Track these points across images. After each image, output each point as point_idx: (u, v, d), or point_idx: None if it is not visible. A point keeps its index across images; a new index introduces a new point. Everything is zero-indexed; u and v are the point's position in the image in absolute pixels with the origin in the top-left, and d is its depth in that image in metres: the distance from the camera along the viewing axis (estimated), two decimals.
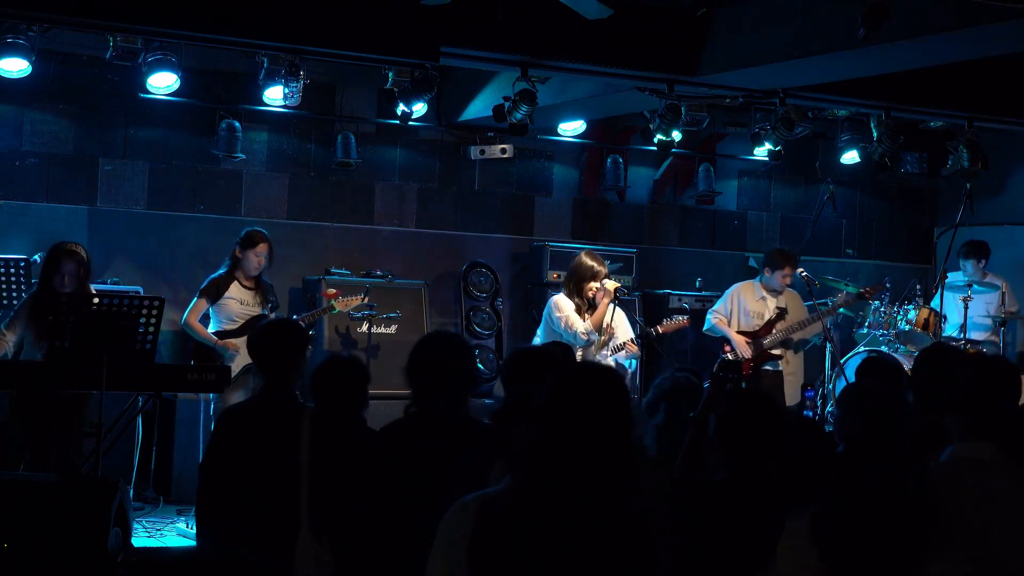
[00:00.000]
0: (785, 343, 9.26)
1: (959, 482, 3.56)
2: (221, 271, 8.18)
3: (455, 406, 4.33)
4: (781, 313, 9.21)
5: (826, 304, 9.47)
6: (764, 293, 9.33)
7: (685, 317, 8.86)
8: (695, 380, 4.93)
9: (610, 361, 8.06)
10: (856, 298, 9.68)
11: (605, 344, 8.06)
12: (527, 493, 2.91)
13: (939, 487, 3.54)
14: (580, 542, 2.88)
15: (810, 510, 3.46)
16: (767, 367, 9.22)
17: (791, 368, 9.33)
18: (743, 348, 9.13)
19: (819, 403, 9.32)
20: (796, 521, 3.45)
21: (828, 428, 9.53)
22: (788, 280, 9.31)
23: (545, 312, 8.28)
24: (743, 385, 9.02)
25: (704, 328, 9.45)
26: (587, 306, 8.11)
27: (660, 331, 8.51)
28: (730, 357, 9.11)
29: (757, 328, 9.24)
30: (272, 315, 8.12)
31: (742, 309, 9.30)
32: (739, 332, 9.26)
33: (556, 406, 2.97)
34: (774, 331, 9.18)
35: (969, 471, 3.58)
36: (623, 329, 8.22)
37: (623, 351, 8.15)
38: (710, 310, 9.43)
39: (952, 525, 3.47)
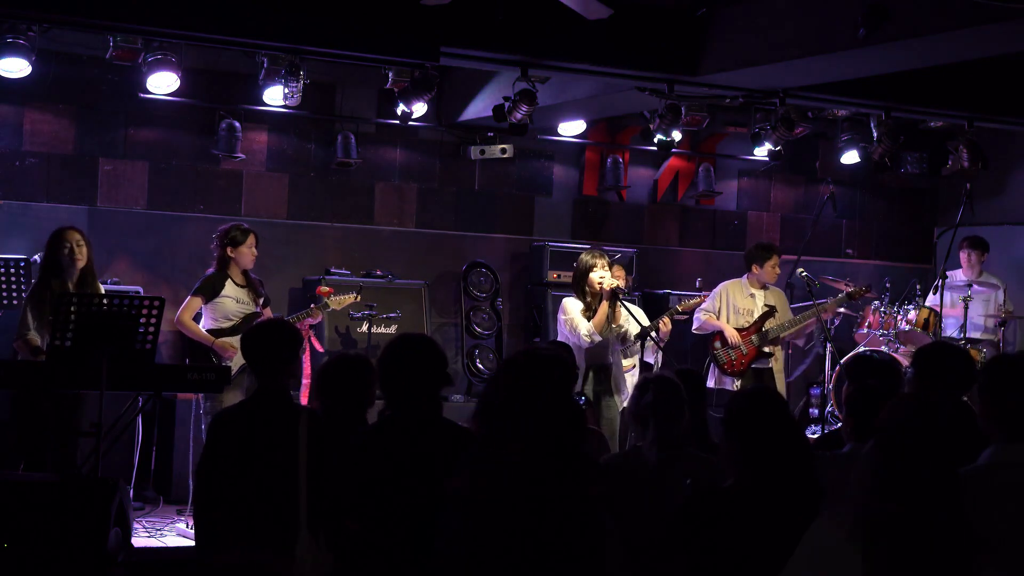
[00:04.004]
0: (773, 340, 9.21)
1: (1002, 487, 3.35)
2: (213, 270, 8.09)
3: (435, 407, 4.35)
4: (771, 310, 9.15)
5: (826, 301, 9.46)
6: (752, 290, 9.27)
7: (702, 294, 9.21)
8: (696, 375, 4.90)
9: (634, 360, 8.00)
10: (846, 299, 9.65)
11: (622, 341, 7.89)
12: (486, 444, 3.84)
13: (979, 492, 3.27)
14: (536, 487, 3.66)
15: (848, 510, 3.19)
16: (757, 364, 9.18)
17: (779, 365, 9.33)
18: (737, 339, 9.07)
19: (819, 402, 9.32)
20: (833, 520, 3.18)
21: (827, 428, 9.66)
22: (778, 269, 9.27)
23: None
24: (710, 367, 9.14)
25: (693, 328, 9.33)
26: (596, 304, 7.80)
27: (680, 309, 8.60)
28: (720, 352, 9.09)
29: (748, 325, 9.20)
30: (264, 311, 8.06)
31: (731, 307, 9.22)
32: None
33: (505, 375, 3.98)
34: (764, 329, 9.13)
35: (1013, 475, 3.38)
36: (636, 325, 7.91)
37: (654, 340, 7.93)
38: (698, 309, 9.24)
39: (995, 533, 3.24)
